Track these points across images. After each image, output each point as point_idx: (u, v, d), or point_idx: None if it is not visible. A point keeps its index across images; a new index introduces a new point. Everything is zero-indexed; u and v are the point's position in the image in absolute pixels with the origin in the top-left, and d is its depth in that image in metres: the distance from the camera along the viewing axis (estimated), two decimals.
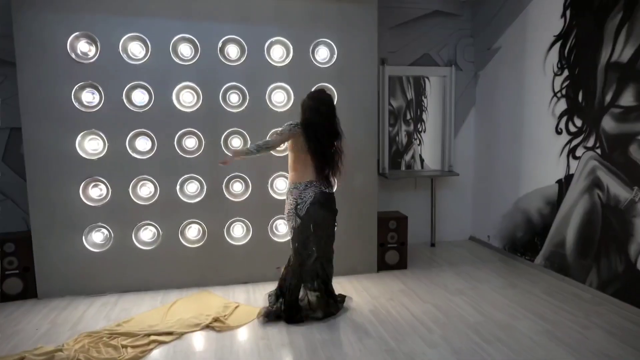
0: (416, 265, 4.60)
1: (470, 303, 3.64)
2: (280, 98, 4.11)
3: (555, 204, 4.19)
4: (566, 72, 4.02)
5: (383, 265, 4.45)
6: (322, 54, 4.15)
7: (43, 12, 3.65)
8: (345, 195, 4.26)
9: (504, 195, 4.90)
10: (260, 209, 4.13)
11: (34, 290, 3.83)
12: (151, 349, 2.95)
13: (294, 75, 4.08)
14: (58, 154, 3.78)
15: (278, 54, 4.07)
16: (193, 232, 4.06)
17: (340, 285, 4.07)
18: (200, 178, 4.01)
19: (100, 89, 3.81)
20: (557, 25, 4.07)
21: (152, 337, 3.04)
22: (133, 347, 2.92)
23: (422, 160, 5.46)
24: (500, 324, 3.27)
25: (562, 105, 4.07)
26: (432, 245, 5.33)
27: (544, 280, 4.14)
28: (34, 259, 3.80)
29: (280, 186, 4.17)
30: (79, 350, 2.85)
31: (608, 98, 3.59)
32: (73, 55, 3.75)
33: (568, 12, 3.96)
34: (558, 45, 4.09)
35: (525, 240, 4.60)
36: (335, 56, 4.15)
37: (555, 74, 4.13)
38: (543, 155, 4.31)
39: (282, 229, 4.22)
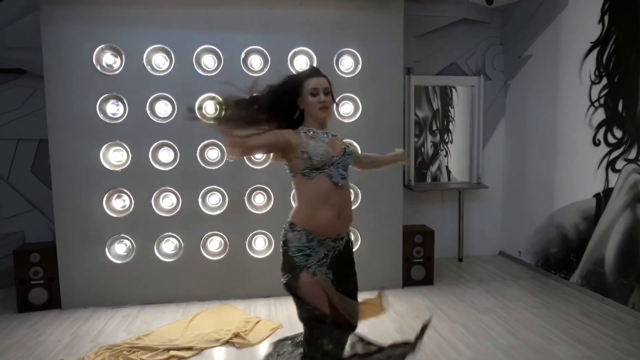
0: (443, 281, 4.42)
1: (501, 323, 3.45)
2: None
3: (592, 219, 3.96)
4: (605, 80, 3.81)
5: (408, 281, 4.30)
6: (347, 64, 4.07)
7: (70, 25, 3.70)
8: (370, 208, 4.15)
9: (536, 208, 4.68)
10: (282, 221, 4.05)
11: (59, 301, 3.84)
12: None
13: None
14: (83, 165, 3.80)
15: (301, 64, 4.01)
16: (215, 244, 4.01)
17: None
18: (222, 190, 3.97)
19: (125, 101, 3.83)
20: (594, 31, 3.88)
21: (172, 352, 2.98)
22: None
23: (448, 172, 5.29)
24: (535, 347, 3.07)
25: (600, 115, 3.86)
26: (460, 260, 5.14)
27: (581, 300, 3.90)
28: (58, 269, 3.82)
29: None
30: None
31: None
32: (98, 68, 3.78)
33: (606, 17, 3.77)
34: (595, 52, 3.89)
35: (560, 257, 4.36)
36: (360, 66, 4.06)
37: (593, 82, 3.93)
38: (579, 167, 4.09)
39: None
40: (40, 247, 3.90)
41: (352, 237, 2.34)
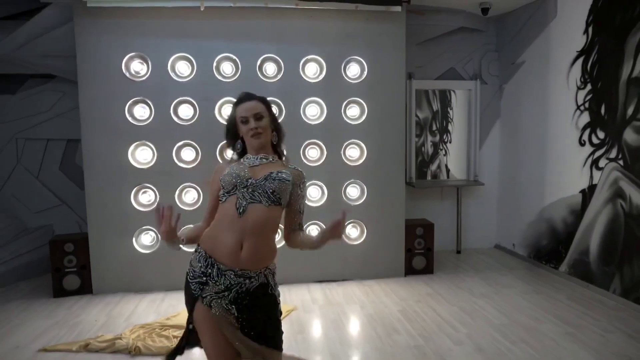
0: (442, 271, 4.78)
1: (495, 306, 3.81)
2: (314, 112, 4.40)
3: (579, 213, 4.32)
4: (589, 86, 4.17)
5: (410, 270, 4.66)
6: (353, 70, 4.43)
7: (102, 35, 4.06)
8: (374, 203, 4.50)
9: (529, 204, 5.04)
10: None
11: (90, 287, 4.20)
12: None
13: (327, 91, 4.37)
14: (113, 163, 4.16)
15: (312, 70, 4.37)
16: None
17: (369, 287, 4.30)
18: None
19: (151, 104, 4.19)
20: (579, 41, 4.24)
21: None
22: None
23: (447, 170, 5.65)
24: (524, 326, 3.43)
25: (585, 118, 4.22)
26: (458, 252, 5.50)
27: (568, 287, 4.26)
28: (90, 258, 4.17)
29: (314, 194, 4.45)
30: (135, 339, 3.17)
31: (630, 111, 3.74)
32: (127, 74, 4.14)
33: (590, 29, 4.13)
34: (581, 60, 4.25)
35: (550, 249, 4.72)
36: (365, 72, 4.42)
37: (579, 88, 4.29)
38: (567, 166, 4.45)
39: (314, 234, 4.48)
40: (73, 237, 4.25)
41: (273, 280, 1.87)
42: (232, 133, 1.92)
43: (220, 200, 1.84)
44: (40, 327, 3.49)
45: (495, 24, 5.49)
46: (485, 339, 3.22)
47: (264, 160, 1.88)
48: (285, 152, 2.02)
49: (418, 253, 4.67)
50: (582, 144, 4.26)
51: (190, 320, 1.83)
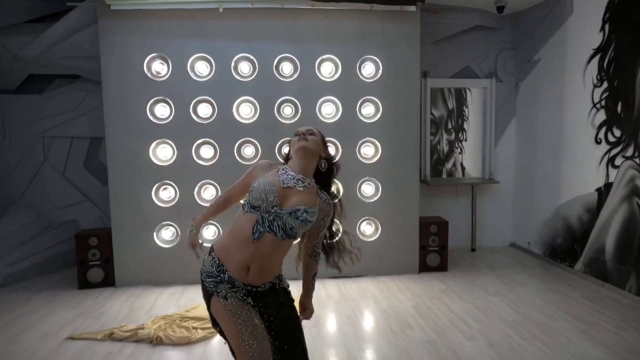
0: (456, 268, 4.81)
1: (508, 304, 3.84)
2: (330, 110, 4.48)
3: (595, 212, 4.30)
4: (605, 84, 4.16)
5: (424, 267, 4.70)
6: (368, 70, 4.49)
7: (125, 37, 4.20)
8: (389, 201, 4.56)
9: (544, 202, 5.03)
10: None
11: (113, 280, 4.35)
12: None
13: (342, 90, 4.44)
14: (135, 160, 4.30)
15: (327, 70, 4.45)
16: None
17: (383, 284, 4.36)
18: None
19: (171, 103, 4.31)
20: (596, 38, 4.23)
21: None
22: (202, 329, 3.34)
23: (463, 169, 5.66)
24: (537, 323, 3.46)
25: (602, 116, 4.20)
26: (473, 250, 5.51)
27: (584, 285, 4.26)
28: (113, 252, 4.33)
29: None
30: (157, 329, 3.29)
31: None
32: (149, 74, 4.27)
33: (607, 26, 4.11)
34: (597, 58, 4.23)
35: (565, 247, 4.72)
36: (380, 71, 4.47)
37: (595, 86, 4.27)
38: (583, 164, 4.44)
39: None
40: (97, 232, 4.41)
41: (281, 283, 1.95)
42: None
43: (242, 208, 1.86)
44: (66, 317, 3.65)
45: (511, 22, 5.48)
46: (498, 335, 3.26)
47: (299, 182, 1.86)
48: (335, 188, 2.04)
49: (432, 250, 4.71)
50: (598, 142, 4.24)
51: (211, 317, 1.89)
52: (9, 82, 4.87)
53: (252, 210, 1.81)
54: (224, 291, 1.79)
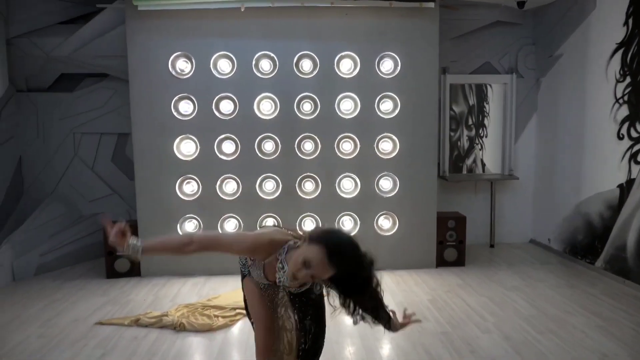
0: (474, 264, 4.82)
1: (525, 298, 3.85)
2: (348, 106, 4.55)
3: (616, 208, 4.26)
4: (628, 79, 4.10)
5: (441, 262, 4.73)
6: (387, 66, 4.53)
7: (151, 36, 4.36)
8: (407, 196, 4.61)
9: (565, 199, 4.99)
10: (328, 205, 4.58)
11: (139, 270, 4.54)
12: (238, 319, 3.48)
13: (361, 86, 4.51)
14: (160, 155, 4.47)
15: (346, 66, 4.52)
16: (269, 224, 4.59)
17: (400, 277, 4.42)
18: (277, 177, 4.54)
19: (194, 100, 4.46)
20: (619, 32, 4.17)
21: (238, 311, 3.57)
22: (223, 317, 3.47)
23: (483, 165, 5.65)
24: (554, 317, 3.46)
25: (624, 111, 4.15)
26: (492, 246, 5.50)
27: (604, 282, 4.22)
28: None
29: (347, 186, 4.60)
30: (180, 316, 3.44)
31: None
32: (173, 72, 4.43)
33: (630, 20, 4.06)
34: (620, 52, 4.18)
35: (586, 244, 4.67)
36: (399, 67, 4.52)
37: (618, 81, 4.22)
38: (604, 160, 4.39)
39: (348, 224, 4.64)
40: None
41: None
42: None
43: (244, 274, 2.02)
44: (95, 304, 3.84)
45: (532, 17, 5.43)
46: (513, 329, 3.28)
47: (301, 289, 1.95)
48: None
49: (450, 245, 4.73)
50: (620, 137, 4.19)
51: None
52: (43, 81, 5.11)
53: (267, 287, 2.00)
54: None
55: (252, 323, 2.12)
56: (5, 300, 3.96)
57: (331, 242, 1.69)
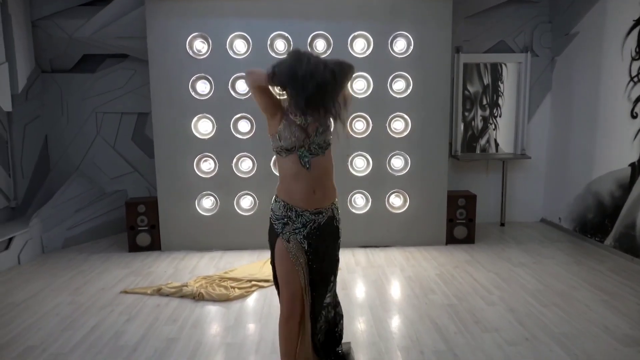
0: (483, 242, 4.91)
1: (532, 274, 3.94)
2: (361, 86, 4.62)
3: (627, 187, 4.28)
4: None
5: (451, 240, 4.83)
6: (400, 45, 4.57)
7: (169, 17, 4.47)
8: (418, 174, 4.70)
9: (576, 178, 5.01)
10: (340, 182, 4.68)
11: (159, 244, 4.75)
12: (253, 291, 3.67)
13: (374, 65, 4.56)
14: (178, 133, 4.62)
15: (360, 46, 4.57)
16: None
17: (410, 254, 4.55)
18: None
19: (211, 80, 4.58)
20: (636, 9, 4.12)
21: (254, 282, 3.76)
22: (239, 288, 3.66)
23: (497, 145, 5.67)
24: (559, 292, 3.56)
25: (639, 89, 4.13)
26: (502, 225, 5.57)
27: (612, 260, 4.28)
28: (159, 219, 4.71)
29: (359, 164, 4.70)
30: (199, 287, 3.63)
31: None
32: (190, 53, 4.54)
33: None
34: (637, 30, 4.14)
35: (596, 222, 4.72)
36: (412, 47, 4.55)
37: (633, 59, 4.19)
38: (617, 139, 4.39)
39: (359, 202, 4.76)
40: (144, 200, 4.81)
41: (338, 214, 2.29)
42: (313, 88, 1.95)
43: (280, 155, 2.15)
44: (119, 275, 4.07)
45: None
46: (518, 302, 3.39)
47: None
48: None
49: (459, 223, 4.83)
50: (634, 116, 4.19)
51: (272, 258, 2.23)
52: (66, 62, 5.28)
53: (289, 152, 2.11)
54: (287, 233, 2.13)
55: (278, 293, 2.28)
56: (37, 270, 4.22)
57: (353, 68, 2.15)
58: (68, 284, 3.87)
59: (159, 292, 3.61)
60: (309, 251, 2.17)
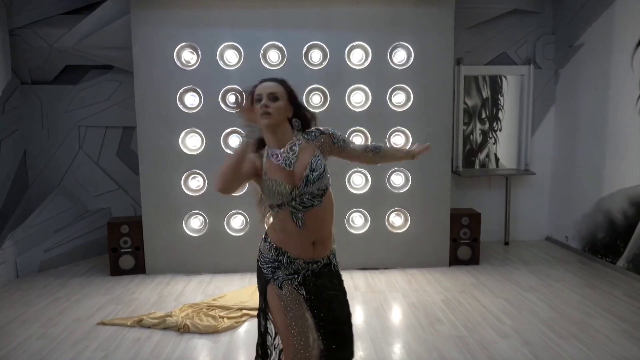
0: (488, 262, 4.65)
1: (543, 300, 3.68)
2: (359, 99, 4.39)
3: None
4: None
5: (455, 261, 4.57)
6: (400, 57, 4.36)
7: (156, 26, 4.22)
8: (419, 192, 4.45)
9: (584, 195, 4.79)
10: (337, 200, 4.42)
11: (143, 267, 4.43)
12: (243, 321, 3.37)
13: (372, 77, 4.33)
14: (165, 149, 4.34)
15: (357, 57, 4.35)
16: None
17: (412, 276, 4.27)
18: None
19: (200, 92, 4.32)
20: None
21: (244, 311, 3.46)
22: (229, 318, 3.35)
23: (497, 159, 5.46)
24: (575, 320, 3.30)
25: None
26: (506, 244, 5.33)
27: (626, 283, 4.04)
28: (143, 239, 4.40)
29: (357, 181, 4.45)
30: (184, 317, 3.33)
31: None
32: (178, 63, 4.29)
33: None
34: None
35: (607, 242, 4.48)
36: (412, 58, 4.34)
37: None
38: (628, 154, 4.18)
39: (358, 221, 4.49)
40: (128, 220, 4.50)
41: (335, 259, 1.98)
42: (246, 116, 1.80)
43: (271, 209, 1.86)
44: (98, 303, 3.75)
45: (551, 5, 5.20)
46: (532, 333, 3.12)
47: (290, 153, 1.82)
48: (310, 115, 1.93)
49: (463, 243, 4.57)
50: None
51: (261, 302, 1.91)
52: (47, 73, 5.00)
53: (280, 209, 1.83)
54: (280, 278, 1.83)
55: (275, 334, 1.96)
56: (8, 297, 3.89)
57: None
58: (41, 314, 3.54)
59: (140, 323, 3.30)
60: (309, 298, 1.87)
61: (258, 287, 1.93)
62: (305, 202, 1.80)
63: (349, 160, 2.05)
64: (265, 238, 1.92)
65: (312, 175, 1.80)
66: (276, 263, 1.86)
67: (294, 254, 1.85)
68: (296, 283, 1.85)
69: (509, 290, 3.89)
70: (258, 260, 1.93)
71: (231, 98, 1.74)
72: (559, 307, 3.53)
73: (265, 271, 1.88)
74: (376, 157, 2.05)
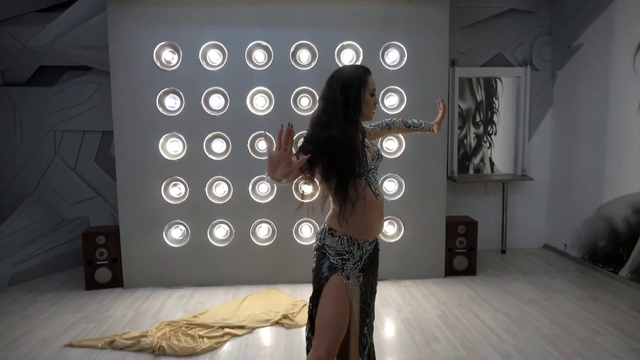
0: (485, 272, 4.44)
1: (545, 314, 3.47)
2: None
3: None
4: None
5: (451, 271, 4.35)
6: (392, 57, 4.15)
7: (134, 25, 3.98)
8: (413, 199, 4.23)
9: (584, 201, 4.60)
10: (327, 208, 4.19)
11: (121, 280, 4.16)
12: (225, 341, 3.11)
13: None
14: (144, 155, 4.08)
15: (348, 57, 4.13)
16: (263, 231, 4.21)
17: (406, 289, 4.05)
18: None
19: (181, 94, 4.08)
20: None
21: (226, 330, 3.21)
22: (209, 337, 3.10)
23: (492, 164, 5.27)
24: (580, 338, 3.09)
25: None
26: (503, 252, 5.13)
27: (630, 294, 3.84)
28: (121, 251, 4.13)
29: None
30: (161, 337, 3.07)
31: None
32: (158, 64, 4.04)
33: None
34: None
35: (609, 251, 4.29)
36: (405, 59, 4.13)
37: None
38: (631, 159, 4.00)
39: None
40: (105, 230, 4.23)
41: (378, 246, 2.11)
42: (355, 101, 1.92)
43: (349, 194, 1.86)
44: (69, 321, 3.47)
45: (549, 5, 5.03)
46: (536, 353, 2.91)
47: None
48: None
49: (460, 253, 4.35)
50: None
51: (314, 297, 1.96)
52: (19, 74, 4.73)
53: (360, 179, 1.88)
54: (348, 269, 1.92)
55: (309, 338, 2.06)
56: None
57: (364, 68, 2.07)
58: (4, 335, 3.26)
59: (111, 345, 3.03)
60: (363, 284, 1.97)
61: (315, 281, 1.96)
62: (376, 176, 1.98)
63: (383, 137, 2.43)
64: (331, 232, 1.93)
65: (378, 154, 2.00)
66: (347, 255, 1.92)
67: (364, 236, 1.93)
68: (357, 271, 1.94)
69: (509, 304, 3.68)
70: (326, 253, 1.93)
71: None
72: (562, 323, 3.32)
73: (334, 261, 1.91)
74: (403, 129, 2.31)
